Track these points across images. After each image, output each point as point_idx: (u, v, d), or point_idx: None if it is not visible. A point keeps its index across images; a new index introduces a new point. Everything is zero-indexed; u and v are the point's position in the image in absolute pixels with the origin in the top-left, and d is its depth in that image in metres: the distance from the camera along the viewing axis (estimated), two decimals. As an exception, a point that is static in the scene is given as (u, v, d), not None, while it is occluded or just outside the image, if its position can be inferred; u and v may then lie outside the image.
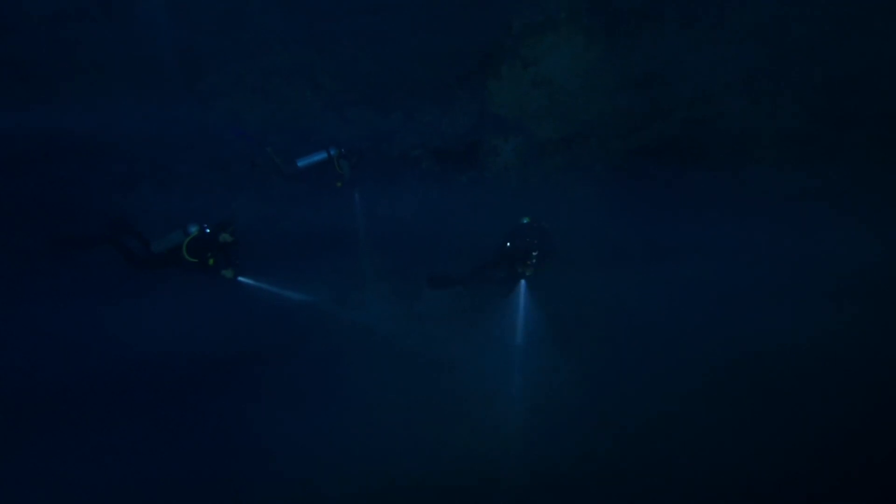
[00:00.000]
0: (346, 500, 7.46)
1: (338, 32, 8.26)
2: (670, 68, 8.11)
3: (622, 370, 8.64)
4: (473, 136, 8.85)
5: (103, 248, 7.03)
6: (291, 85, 8.45)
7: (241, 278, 7.46)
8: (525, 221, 7.49)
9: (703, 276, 8.32)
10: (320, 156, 8.08)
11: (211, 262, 7.03)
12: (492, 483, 7.76)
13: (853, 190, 8.02)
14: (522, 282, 8.19)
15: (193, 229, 7.00)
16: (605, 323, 8.90)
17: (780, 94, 7.92)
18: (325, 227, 8.89)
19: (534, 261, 7.30)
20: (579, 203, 8.84)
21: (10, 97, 7.30)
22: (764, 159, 8.73)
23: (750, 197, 8.51)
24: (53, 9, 7.18)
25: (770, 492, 7.43)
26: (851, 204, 8.04)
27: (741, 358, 8.35)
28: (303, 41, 8.25)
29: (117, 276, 7.49)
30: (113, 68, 7.57)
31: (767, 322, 8.27)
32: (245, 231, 7.47)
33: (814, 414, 7.80)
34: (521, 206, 8.15)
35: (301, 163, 8.02)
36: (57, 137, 7.38)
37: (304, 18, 7.98)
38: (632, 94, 8.45)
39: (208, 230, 7.02)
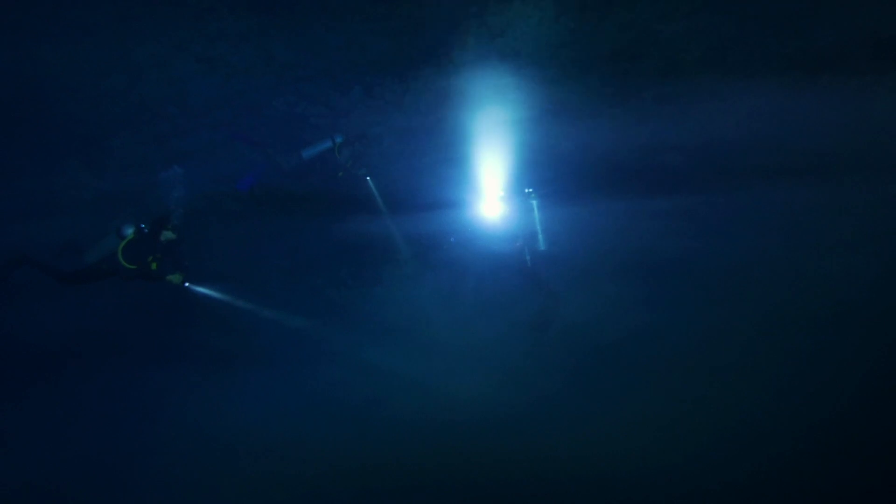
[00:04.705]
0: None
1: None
2: (642, 40, 7.76)
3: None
4: (438, 112, 8.33)
5: (24, 270, 6.17)
6: (240, 54, 7.80)
7: (188, 284, 6.58)
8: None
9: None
10: (325, 144, 7.61)
11: (154, 266, 6.17)
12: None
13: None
14: None
15: (129, 231, 6.13)
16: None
17: (754, 68, 7.64)
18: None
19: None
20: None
21: None
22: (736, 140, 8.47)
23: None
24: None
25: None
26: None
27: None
28: (254, 7, 7.64)
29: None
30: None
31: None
32: (190, 224, 6.70)
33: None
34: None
35: (307, 153, 7.53)
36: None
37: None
38: (603, 69, 8.09)
39: (146, 229, 6.18)
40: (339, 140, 7.68)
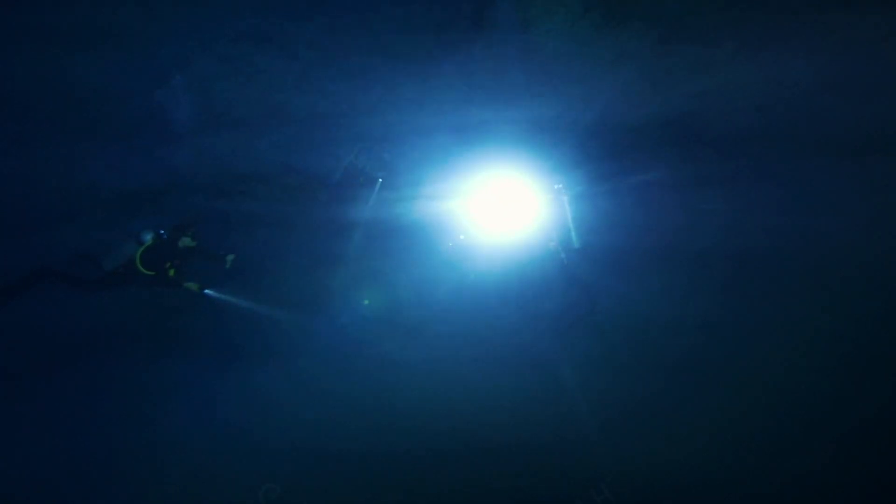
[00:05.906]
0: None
1: (314, -2, 7.63)
2: (672, 35, 7.49)
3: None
4: (460, 111, 8.18)
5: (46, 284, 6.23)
6: (263, 53, 7.76)
7: (208, 291, 6.64)
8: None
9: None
10: (347, 160, 7.85)
11: (172, 272, 6.20)
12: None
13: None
14: None
15: (148, 237, 6.18)
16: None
17: (793, 64, 7.30)
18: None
19: None
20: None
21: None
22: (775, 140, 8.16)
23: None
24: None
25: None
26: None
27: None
28: (276, 6, 7.60)
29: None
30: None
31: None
32: (208, 229, 6.68)
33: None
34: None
35: (338, 175, 7.80)
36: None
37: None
38: (631, 66, 7.83)
39: (165, 236, 6.22)
40: (357, 150, 7.79)
